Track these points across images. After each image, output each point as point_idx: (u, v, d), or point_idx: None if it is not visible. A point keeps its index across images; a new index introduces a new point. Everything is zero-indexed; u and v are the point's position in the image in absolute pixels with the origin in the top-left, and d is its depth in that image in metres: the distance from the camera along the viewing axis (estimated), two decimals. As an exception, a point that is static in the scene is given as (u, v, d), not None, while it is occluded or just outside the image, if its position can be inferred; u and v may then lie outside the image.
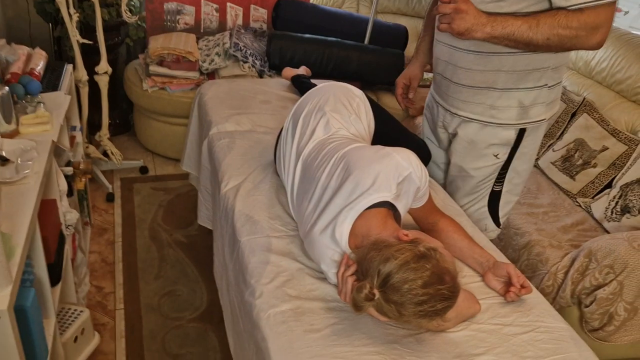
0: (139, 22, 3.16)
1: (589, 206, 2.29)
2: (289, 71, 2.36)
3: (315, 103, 1.54)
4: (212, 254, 1.80)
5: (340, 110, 1.51)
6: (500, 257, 1.45)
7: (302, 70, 2.40)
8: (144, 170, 2.99)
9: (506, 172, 1.74)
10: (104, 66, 2.61)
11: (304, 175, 1.42)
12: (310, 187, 1.36)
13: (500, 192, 1.79)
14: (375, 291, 1.06)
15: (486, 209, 1.84)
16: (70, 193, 1.94)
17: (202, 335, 1.99)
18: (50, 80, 2.03)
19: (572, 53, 2.80)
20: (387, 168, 1.24)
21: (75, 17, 2.32)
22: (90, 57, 2.68)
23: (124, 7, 2.55)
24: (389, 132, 1.66)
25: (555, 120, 2.63)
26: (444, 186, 1.88)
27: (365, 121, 1.56)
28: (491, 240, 1.67)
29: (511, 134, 1.65)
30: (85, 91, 2.54)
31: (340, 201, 1.24)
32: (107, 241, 2.45)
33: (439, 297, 1.05)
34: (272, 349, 1.08)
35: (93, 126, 2.88)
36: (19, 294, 1.16)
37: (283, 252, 1.34)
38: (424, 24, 1.90)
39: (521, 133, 1.65)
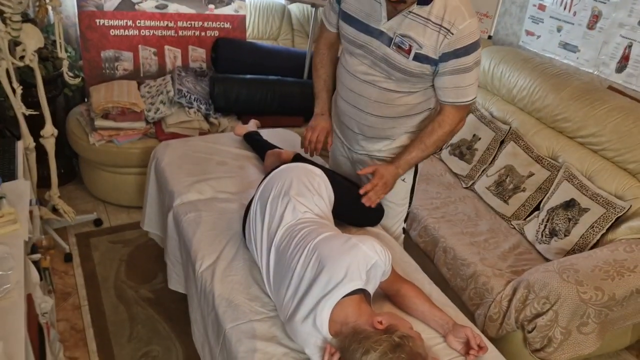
0: (76, 72, 3.13)
1: (522, 228, 2.56)
2: (240, 129, 2.46)
3: (280, 187, 1.67)
4: (180, 307, 1.87)
5: (304, 193, 1.66)
6: (458, 314, 1.65)
7: (252, 125, 2.50)
8: (98, 222, 3.00)
9: (413, 193, 2.12)
10: (49, 129, 2.59)
11: (278, 262, 1.55)
12: (286, 275, 1.49)
13: (408, 214, 2.19)
14: (360, 380, 1.22)
15: (401, 231, 2.19)
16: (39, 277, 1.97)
17: (184, 395, 2.09)
18: (4, 165, 2.02)
19: (495, 80, 3.07)
20: (356, 259, 1.40)
21: (19, 91, 2.30)
22: (31, 118, 2.65)
23: (65, 70, 2.55)
24: (349, 202, 1.84)
25: (487, 147, 2.89)
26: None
27: (327, 197, 1.72)
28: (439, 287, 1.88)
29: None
30: (33, 157, 2.53)
31: (317, 292, 1.39)
32: (73, 306, 2.47)
33: (414, 379, 1.23)
34: None
35: (38, 179, 2.85)
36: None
37: (267, 337, 1.47)
38: (318, 83, 2.05)
39: None
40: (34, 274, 1.81)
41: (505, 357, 2.16)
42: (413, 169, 2.03)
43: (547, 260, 2.39)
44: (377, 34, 1.71)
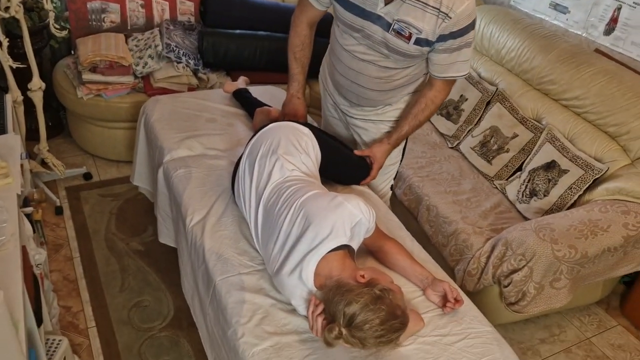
0: (62, 23, 3.08)
1: (504, 188, 2.64)
2: (229, 86, 2.47)
3: (269, 146, 1.72)
4: (170, 259, 1.94)
5: (292, 152, 1.70)
6: (437, 269, 1.73)
7: (241, 82, 2.51)
8: (87, 176, 3.02)
9: (404, 152, 2.22)
10: (37, 82, 2.58)
11: (266, 218, 1.61)
12: (274, 231, 1.55)
13: (397, 172, 2.29)
14: (343, 330, 1.30)
15: (389, 189, 2.31)
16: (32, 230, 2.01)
17: (175, 342, 2.18)
18: (-6, 119, 2.03)
19: (485, 40, 3.08)
20: (341, 217, 1.46)
21: (6, 43, 2.28)
22: (18, 71, 2.63)
23: (52, 22, 2.51)
24: (337, 161, 1.92)
25: (473, 108, 2.93)
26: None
27: (314, 156, 1.77)
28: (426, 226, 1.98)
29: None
30: (21, 110, 2.53)
31: (304, 247, 1.46)
32: (65, 257, 2.53)
33: (393, 329, 1.32)
34: (261, 386, 1.30)
35: (26, 132, 2.85)
36: None
37: (255, 289, 1.55)
38: (295, 65, 2.04)
39: None
40: (27, 226, 1.86)
41: (482, 310, 2.29)
42: None
43: (526, 219, 2.48)
44: (375, 18, 1.70)
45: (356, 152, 2.03)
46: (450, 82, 1.87)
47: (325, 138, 1.90)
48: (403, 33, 1.68)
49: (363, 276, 1.39)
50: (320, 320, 1.36)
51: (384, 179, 2.22)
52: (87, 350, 2.13)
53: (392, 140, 2.00)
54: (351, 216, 1.47)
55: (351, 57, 1.87)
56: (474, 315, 1.57)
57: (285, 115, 2.08)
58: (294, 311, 1.50)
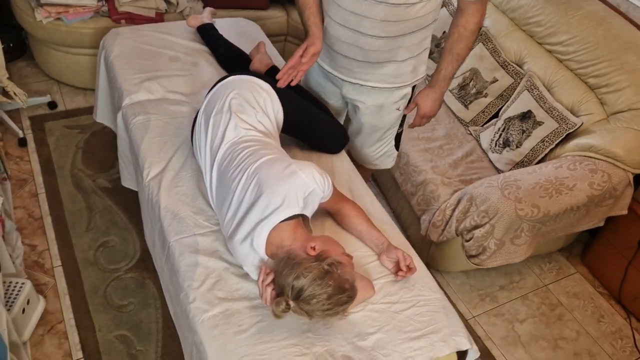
0: None
1: (479, 135, 2.59)
2: (193, 20, 2.31)
3: (223, 102, 1.64)
4: (137, 198, 1.90)
5: (247, 110, 1.62)
6: (397, 234, 1.72)
7: (207, 15, 2.35)
8: (52, 105, 2.92)
9: (404, 118, 2.03)
10: (-11, 6, 2.40)
11: (220, 180, 1.57)
12: (227, 196, 1.52)
13: (401, 132, 2.09)
14: (290, 302, 1.31)
15: (393, 146, 2.12)
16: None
17: (140, 283, 2.21)
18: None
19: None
20: (294, 186, 1.42)
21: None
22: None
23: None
24: (303, 124, 1.82)
25: (455, 47, 2.79)
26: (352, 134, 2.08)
27: (272, 115, 1.69)
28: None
29: (408, 90, 1.92)
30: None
31: (256, 216, 1.43)
32: (30, 193, 2.49)
33: (340, 303, 1.33)
34: (209, 353, 1.33)
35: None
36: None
37: (209, 252, 1.54)
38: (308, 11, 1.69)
39: (413, 90, 1.94)
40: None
41: (445, 257, 2.34)
42: (408, 98, 1.93)
43: (497, 169, 2.46)
44: None
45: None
46: (478, 3, 1.63)
47: (291, 95, 1.79)
48: None
49: (314, 248, 1.38)
50: (269, 290, 1.37)
51: (379, 145, 2.07)
52: (53, 290, 2.15)
53: (433, 82, 1.83)
54: (304, 186, 1.43)
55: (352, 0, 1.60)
56: (425, 282, 1.58)
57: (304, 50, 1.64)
58: (246, 275, 1.50)
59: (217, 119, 1.62)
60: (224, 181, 1.54)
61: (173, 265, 1.54)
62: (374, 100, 1.89)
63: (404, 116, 2.03)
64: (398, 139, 2.12)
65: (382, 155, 2.13)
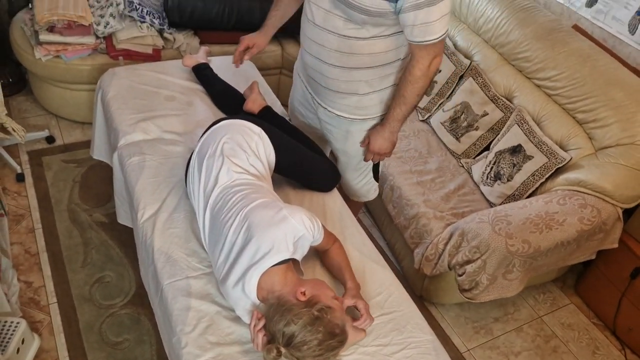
0: (17, -25, 2.89)
1: (470, 167, 2.63)
2: (188, 60, 2.36)
3: (216, 146, 1.68)
4: (133, 233, 1.93)
5: (239, 154, 1.66)
6: (387, 274, 1.74)
7: (202, 55, 2.40)
8: (50, 139, 2.95)
9: None
10: (-12, 47, 2.45)
11: (212, 223, 1.60)
12: (219, 239, 1.55)
13: (378, 163, 2.13)
14: (282, 349, 1.33)
15: (372, 178, 2.18)
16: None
17: (136, 320, 2.22)
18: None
19: (464, 6, 2.96)
20: (283, 232, 1.46)
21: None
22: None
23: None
24: (295, 164, 1.87)
25: (446, 81, 2.85)
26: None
27: (264, 157, 1.73)
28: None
29: (378, 122, 1.95)
30: (-27, 77, 2.42)
31: (246, 261, 1.46)
32: (27, 229, 2.52)
33: (331, 348, 1.36)
34: (200, 399, 1.35)
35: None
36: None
37: (202, 295, 1.56)
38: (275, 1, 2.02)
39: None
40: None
41: (439, 289, 2.36)
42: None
43: (489, 202, 2.49)
44: None
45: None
46: (429, 48, 1.62)
47: (282, 137, 1.83)
48: None
49: (304, 293, 1.40)
50: (261, 335, 1.39)
51: (356, 175, 2.13)
52: (48, 328, 2.16)
53: (384, 121, 1.86)
54: (294, 231, 1.47)
55: (312, 27, 1.73)
56: (416, 323, 1.60)
57: (242, 41, 2.06)
58: (238, 319, 1.52)
59: (210, 163, 1.65)
60: (217, 224, 1.57)
61: (166, 308, 1.55)
62: (343, 127, 1.97)
63: None
64: (376, 170, 2.17)
65: (363, 185, 2.18)
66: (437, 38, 1.59)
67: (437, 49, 1.64)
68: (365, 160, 2.01)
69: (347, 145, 2.01)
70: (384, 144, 1.90)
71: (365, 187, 2.19)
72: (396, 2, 1.53)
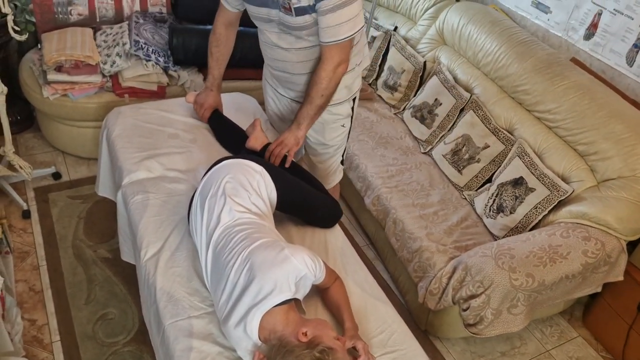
0: (27, 17, 2.97)
1: (473, 200, 2.63)
2: (192, 97, 2.39)
3: (217, 186, 1.70)
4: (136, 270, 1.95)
5: (241, 193, 1.68)
6: (389, 311, 1.73)
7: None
8: (57, 176, 2.99)
9: (350, 132, 2.30)
10: (-2, 87, 2.51)
11: (215, 263, 1.60)
12: (222, 278, 1.55)
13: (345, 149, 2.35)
14: (282, 391, 1.32)
15: (340, 163, 2.38)
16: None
17: (138, 357, 2.21)
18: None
19: (463, 41, 3.01)
20: (285, 272, 1.46)
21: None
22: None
23: (10, 25, 2.43)
24: (297, 202, 1.89)
25: (447, 114, 2.88)
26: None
27: (266, 196, 1.75)
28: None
29: (348, 107, 2.18)
30: (-18, 116, 2.47)
31: (248, 301, 1.46)
32: (32, 266, 2.53)
33: (333, 391, 1.34)
34: None
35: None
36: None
37: (204, 335, 1.56)
38: (210, 60, 2.26)
39: (353, 102, 2.20)
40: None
41: (445, 324, 2.34)
42: (350, 115, 2.21)
43: (492, 234, 2.48)
44: (270, 3, 1.82)
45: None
46: (335, 48, 1.84)
47: (284, 175, 1.85)
48: (285, 5, 1.77)
49: (305, 334, 1.40)
50: (262, 377, 1.38)
51: (333, 161, 2.30)
52: (51, 367, 2.16)
53: (295, 118, 2.02)
54: (296, 271, 1.47)
55: (272, 49, 1.99)
56: (420, 362, 1.59)
57: (195, 103, 2.32)
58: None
59: (212, 203, 1.67)
60: (219, 264, 1.58)
61: (168, 349, 1.55)
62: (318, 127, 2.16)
63: (348, 136, 2.29)
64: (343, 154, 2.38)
65: (334, 170, 2.35)
66: (343, 38, 1.80)
67: (344, 53, 1.87)
68: (269, 148, 2.05)
69: (325, 134, 2.20)
70: (289, 136, 2.02)
71: (337, 171, 2.37)
72: (315, 11, 1.76)
